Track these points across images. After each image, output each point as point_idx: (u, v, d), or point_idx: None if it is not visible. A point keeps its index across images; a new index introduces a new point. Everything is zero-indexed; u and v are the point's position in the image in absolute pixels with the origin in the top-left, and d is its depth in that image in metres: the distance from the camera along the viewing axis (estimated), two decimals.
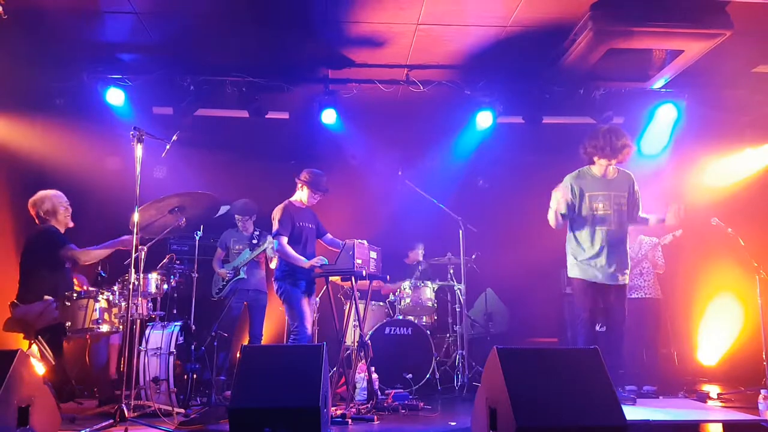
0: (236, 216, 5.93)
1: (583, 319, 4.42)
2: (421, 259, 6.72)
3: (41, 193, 4.70)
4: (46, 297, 4.39)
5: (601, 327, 4.56)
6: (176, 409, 4.19)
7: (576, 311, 4.57)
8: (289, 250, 4.77)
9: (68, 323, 4.23)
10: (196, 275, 5.03)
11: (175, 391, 4.33)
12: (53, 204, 4.66)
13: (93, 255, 4.57)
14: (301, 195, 4.98)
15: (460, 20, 4.99)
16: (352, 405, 4.47)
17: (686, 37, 4.79)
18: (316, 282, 5.02)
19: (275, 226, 4.82)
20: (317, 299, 5.88)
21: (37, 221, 4.67)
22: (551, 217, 4.49)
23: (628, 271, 4.53)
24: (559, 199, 4.42)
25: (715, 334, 6.62)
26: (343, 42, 5.38)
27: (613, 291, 4.45)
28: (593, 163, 4.56)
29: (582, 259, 4.47)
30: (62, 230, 4.67)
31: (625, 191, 4.52)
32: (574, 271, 4.53)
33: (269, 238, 5.53)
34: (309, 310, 4.81)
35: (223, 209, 5.70)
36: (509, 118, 6.41)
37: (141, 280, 4.34)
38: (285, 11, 4.93)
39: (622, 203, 4.49)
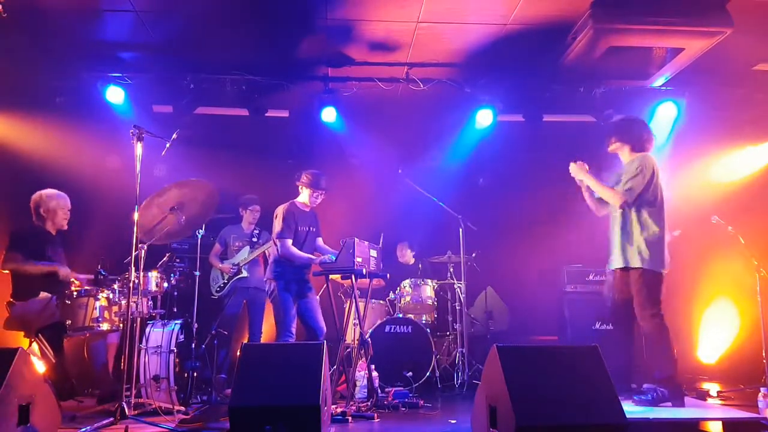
0: (249, 208, 5.92)
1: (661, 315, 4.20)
2: (411, 260, 6.70)
3: (48, 191, 4.72)
4: (43, 294, 4.39)
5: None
6: (177, 407, 4.20)
7: (650, 308, 4.19)
8: (295, 251, 4.82)
9: (68, 321, 4.24)
10: (198, 273, 5.04)
11: (175, 389, 4.33)
12: (57, 205, 4.69)
13: (25, 270, 4.44)
14: (304, 197, 5.02)
15: (461, 18, 4.99)
16: (352, 403, 4.48)
17: (686, 35, 4.79)
18: (316, 280, 5.03)
19: (278, 226, 4.85)
20: (317, 297, 5.87)
21: (34, 217, 4.68)
22: (617, 199, 4.30)
23: None
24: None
25: (714, 332, 6.62)
26: (343, 40, 5.37)
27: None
28: (644, 149, 4.41)
29: (658, 242, 4.21)
30: (54, 231, 4.70)
31: None
32: (653, 259, 4.19)
33: (272, 240, 5.54)
34: (295, 315, 4.85)
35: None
36: (509, 116, 6.41)
37: (141, 279, 4.34)
38: (285, 9, 4.93)
39: None
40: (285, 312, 4.78)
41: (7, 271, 4.48)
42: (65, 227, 4.77)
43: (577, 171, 4.51)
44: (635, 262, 4.24)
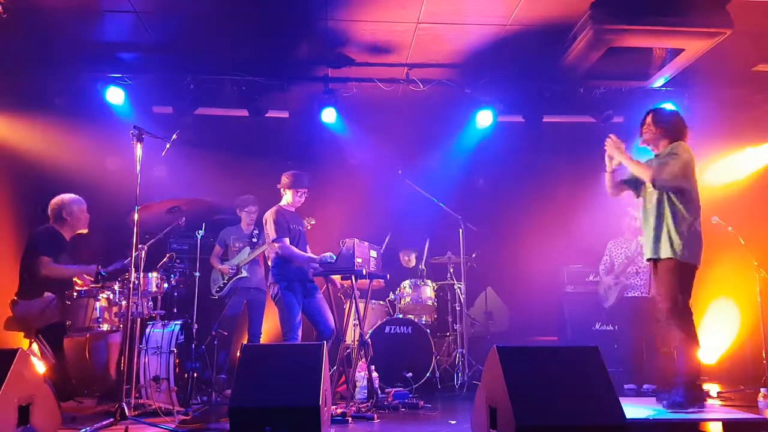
0: (245, 210, 5.91)
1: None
2: (413, 263, 6.69)
3: (69, 196, 4.75)
4: (47, 294, 4.40)
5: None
6: (177, 408, 4.20)
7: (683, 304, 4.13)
8: (296, 250, 4.83)
9: (68, 322, 4.24)
10: (198, 274, 5.04)
11: (175, 390, 4.33)
12: (80, 210, 4.74)
13: (60, 273, 4.51)
14: (287, 198, 5.03)
15: (461, 19, 4.99)
16: (352, 404, 4.48)
17: (686, 36, 4.79)
18: (316, 280, 5.04)
19: (272, 231, 4.85)
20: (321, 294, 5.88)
21: (52, 220, 4.69)
22: (648, 173, 4.10)
23: None
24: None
25: (715, 332, 6.61)
26: (343, 41, 5.38)
27: None
28: (682, 138, 4.24)
29: (692, 233, 4.10)
30: (68, 236, 4.71)
31: None
32: (689, 250, 4.10)
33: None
34: (301, 317, 4.84)
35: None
36: (509, 116, 6.41)
37: (141, 279, 4.34)
38: (285, 10, 4.93)
39: None
40: (290, 313, 4.77)
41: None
42: (86, 230, 4.81)
43: (612, 147, 4.28)
44: (666, 253, 4.09)
